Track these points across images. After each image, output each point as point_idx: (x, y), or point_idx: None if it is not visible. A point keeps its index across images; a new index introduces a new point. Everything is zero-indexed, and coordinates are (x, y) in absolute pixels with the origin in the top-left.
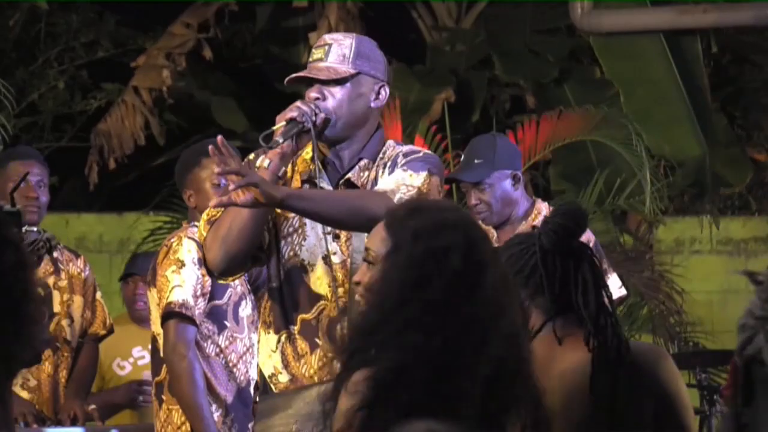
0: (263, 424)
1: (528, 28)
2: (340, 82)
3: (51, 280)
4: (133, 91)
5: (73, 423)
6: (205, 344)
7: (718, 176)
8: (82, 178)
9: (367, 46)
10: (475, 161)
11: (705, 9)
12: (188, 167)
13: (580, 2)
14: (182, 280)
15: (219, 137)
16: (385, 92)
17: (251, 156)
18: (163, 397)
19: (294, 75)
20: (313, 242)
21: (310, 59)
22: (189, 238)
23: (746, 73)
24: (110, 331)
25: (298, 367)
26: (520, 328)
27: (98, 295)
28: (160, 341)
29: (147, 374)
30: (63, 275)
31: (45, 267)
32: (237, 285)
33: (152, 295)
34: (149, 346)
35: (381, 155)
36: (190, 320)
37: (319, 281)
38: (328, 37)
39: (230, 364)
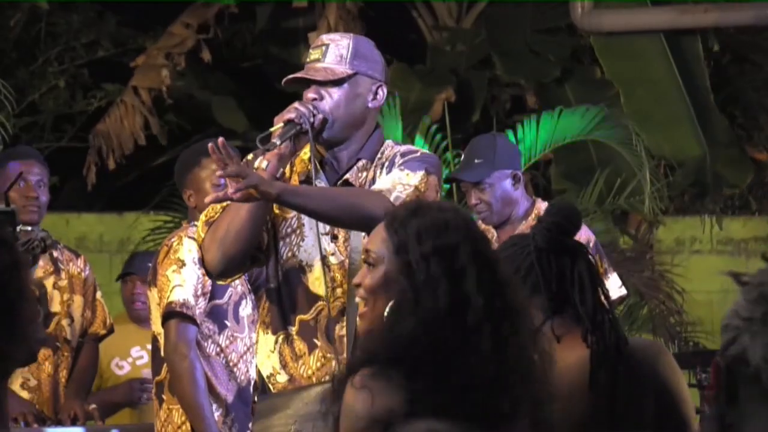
0: (262, 424)
1: (529, 28)
2: (337, 83)
3: (51, 280)
4: (133, 91)
5: (74, 423)
6: (206, 344)
7: (718, 176)
8: (83, 178)
9: (364, 46)
10: (476, 161)
11: (705, 9)
12: (188, 167)
13: (581, 2)
14: (183, 279)
15: (220, 139)
16: (382, 92)
17: (249, 156)
18: (164, 397)
19: (291, 76)
20: (311, 243)
21: (308, 60)
22: (189, 237)
23: (746, 73)
24: (110, 331)
25: (297, 368)
26: (529, 327)
27: (98, 294)
28: (161, 341)
29: (146, 373)
30: (63, 275)
31: (45, 266)
32: (237, 284)
33: (153, 295)
34: (148, 346)
35: (379, 155)
36: (191, 320)
37: (317, 282)
38: (325, 38)
39: (231, 364)
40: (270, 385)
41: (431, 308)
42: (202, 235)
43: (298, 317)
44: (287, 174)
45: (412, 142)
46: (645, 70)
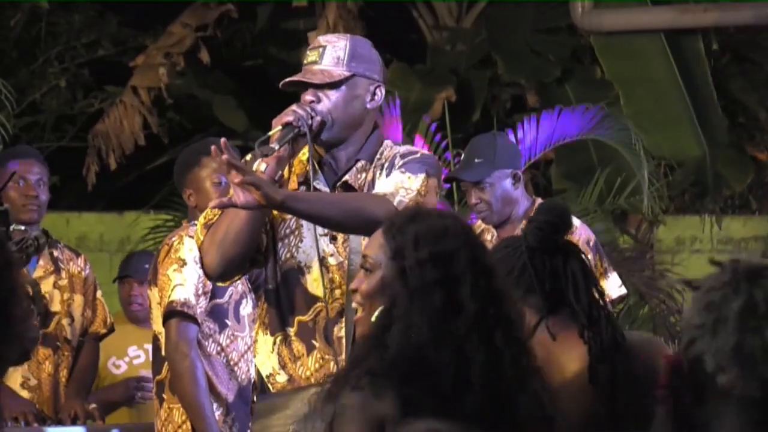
0: (261, 423)
1: (529, 28)
2: (334, 85)
3: (51, 279)
4: (132, 91)
5: (74, 422)
6: (207, 343)
7: (719, 176)
8: (83, 178)
9: (361, 47)
10: (476, 160)
11: (705, 8)
12: (188, 166)
13: (581, 2)
14: (184, 278)
15: (222, 139)
16: (380, 93)
17: (248, 157)
18: (164, 396)
19: (288, 79)
20: (309, 244)
21: (305, 61)
22: (190, 236)
23: (746, 72)
24: (111, 330)
25: (295, 369)
26: (523, 330)
27: (99, 294)
28: (162, 340)
29: (143, 372)
30: (63, 274)
31: (45, 266)
32: (238, 284)
33: (153, 294)
34: (145, 346)
35: (378, 156)
36: (192, 319)
37: (315, 283)
38: (322, 39)
39: (231, 363)
40: (269, 385)
41: (422, 314)
42: (201, 238)
43: (297, 318)
44: (285, 175)
45: (412, 142)
46: (645, 70)
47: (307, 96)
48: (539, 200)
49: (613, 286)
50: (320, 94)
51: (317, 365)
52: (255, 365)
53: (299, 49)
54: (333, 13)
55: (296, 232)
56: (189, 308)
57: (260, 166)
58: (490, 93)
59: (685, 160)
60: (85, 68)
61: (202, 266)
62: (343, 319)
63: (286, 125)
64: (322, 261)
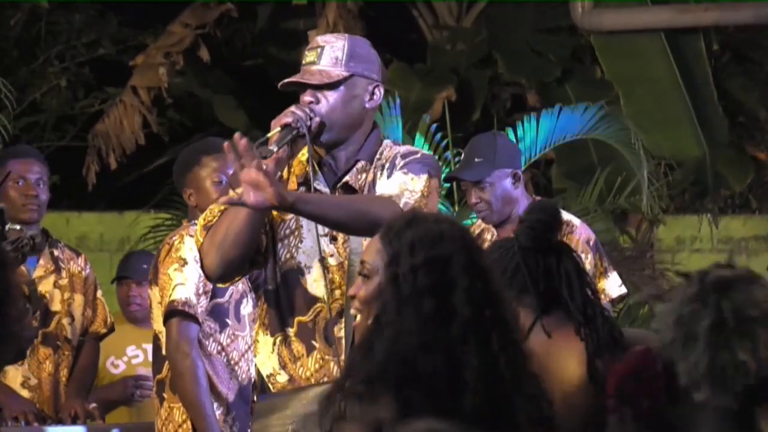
0: (260, 423)
1: (529, 28)
2: (333, 86)
3: (52, 279)
4: (132, 90)
5: (74, 421)
6: (207, 342)
7: (719, 176)
8: (83, 178)
9: (360, 47)
10: (476, 160)
11: (705, 8)
12: (188, 166)
13: (581, 1)
14: (185, 278)
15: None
16: (379, 92)
17: None
18: (164, 395)
19: (286, 80)
20: (309, 245)
21: (303, 62)
22: (191, 236)
23: (746, 72)
24: (111, 330)
25: (295, 369)
26: (520, 332)
27: (99, 293)
28: (162, 339)
29: (141, 371)
30: (64, 273)
31: (46, 265)
32: (238, 283)
33: (154, 294)
34: (143, 345)
35: (378, 156)
36: (193, 318)
37: (315, 283)
38: (320, 39)
39: (232, 362)
40: (270, 385)
41: (412, 321)
42: (201, 240)
43: (297, 319)
44: (285, 176)
45: (413, 142)
46: (645, 70)
47: (306, 97)
48: (539, 200)
49: (613, 285)
50: (319, 95)
51: (317, 365)
52: (255, 365)
53: (299, 48)
54: (333, 13)
55: (296, 233)
56: (190, 307)
57: None
58: (490, 92)
59: (685, 159)
60: (86, 67)
61: (202, 268)
62: (343, 320)
63: (285, 126)
64: (323, 261)
